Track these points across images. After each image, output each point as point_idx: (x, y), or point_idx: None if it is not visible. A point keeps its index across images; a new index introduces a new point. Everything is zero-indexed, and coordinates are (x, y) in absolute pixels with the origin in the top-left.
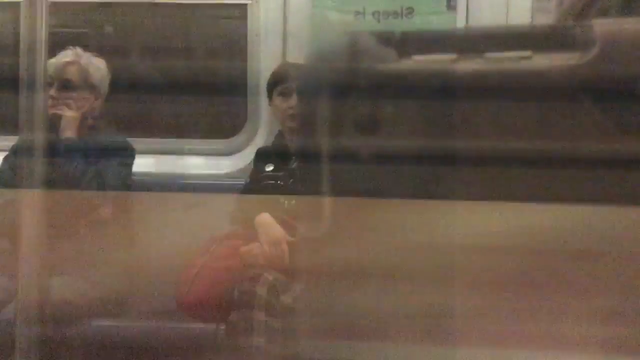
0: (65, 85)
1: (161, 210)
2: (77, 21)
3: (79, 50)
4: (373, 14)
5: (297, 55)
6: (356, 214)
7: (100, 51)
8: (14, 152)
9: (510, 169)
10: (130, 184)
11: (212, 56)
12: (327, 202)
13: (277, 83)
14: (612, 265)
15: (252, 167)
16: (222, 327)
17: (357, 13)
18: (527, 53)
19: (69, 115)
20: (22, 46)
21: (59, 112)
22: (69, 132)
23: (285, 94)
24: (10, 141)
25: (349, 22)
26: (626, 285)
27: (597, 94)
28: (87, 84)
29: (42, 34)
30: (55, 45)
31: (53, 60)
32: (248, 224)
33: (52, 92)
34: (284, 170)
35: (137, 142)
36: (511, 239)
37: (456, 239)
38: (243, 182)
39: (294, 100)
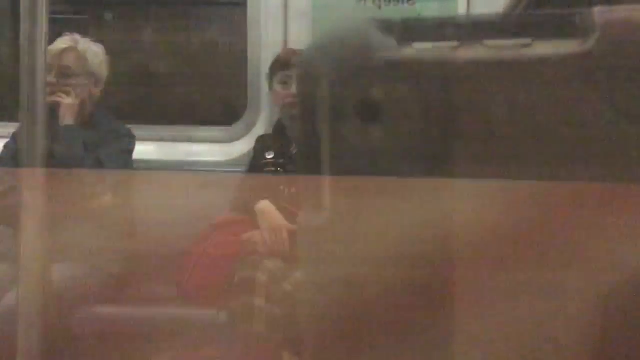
0: (64, 72)
1: None
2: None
3: (76, 36)
4: (374, 0)
5: (299, 42)
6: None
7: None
8: (14, 138)
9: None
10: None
11: (211, 43)
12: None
13: (278, 70)
14: None
15: (252, 154)
16: (223, 313)
17: (359, 0)
18: (528, 41)
19: (68, 102)
20: (23, 31)
21: (57, 99)
22: (68, 120)
23: (286, 82)
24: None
25: (350, 9)
26: None
27: (598, 82)
28: (86, 71)
29: (43, 19)
30: None
31: (51, 47)
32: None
33: (51, 79)
34: (284, 157)
35: (136, 129)
36: None
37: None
38: (243, 170)
39: (294, 88)
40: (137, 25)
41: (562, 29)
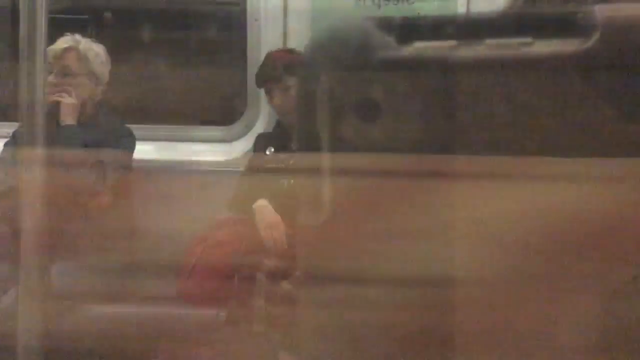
0: (65, 71)
1: None
2: None
3: (77, 36)
4: None
5: (298, 41)
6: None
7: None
8: (14, 138)
9: None
10: (131, 171)
11: (210, 42)
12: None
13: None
14: None
15: (252, 152)
16: (222, 314)
17: None
18: (528, 39)
19: (69, 102)
20: (22, 31)
21: (58, 99)
22: (68, 119)
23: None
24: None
25: (349, 8)
26: None
27: (599, 81)
28: (87, 70)
29: (42, 19)
30: None
31: (52, 47)
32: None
33: (51, 78)
34: (284, 153)
35: (137, 129)
36: None
37: None
38: (243, 168)
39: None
40: (137, 24)
41: (563, 28)
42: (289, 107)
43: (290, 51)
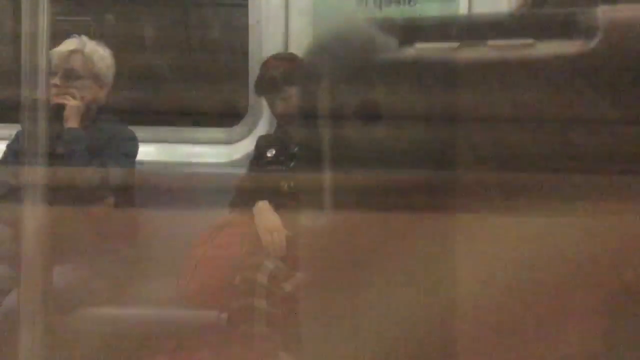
0: (69, 74)
1: None
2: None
3: (83, 38)
4: (375, 0)
5: (299, 44)
6: None
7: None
8: (17, 139)
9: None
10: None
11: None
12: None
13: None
14: None
15: (253, 153)
16: (224, 315)
17: (360, 0)
18: (530, 41)
19: (73, 104)
20: (24, 33)
21: (62, 101)
22: (72, 122)
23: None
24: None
25: (351, 9)
26: None
27: (601, 83)
28: (92, 73)
29: (44, 20)
30: None
31: (57, 49)
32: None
33: (56, 80)
34: (285, 155)
35: (139, 131)
36: None
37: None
38: (244, 170)
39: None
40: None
41: (565, 29)
42: (290, 116)
43: (289, 58)
